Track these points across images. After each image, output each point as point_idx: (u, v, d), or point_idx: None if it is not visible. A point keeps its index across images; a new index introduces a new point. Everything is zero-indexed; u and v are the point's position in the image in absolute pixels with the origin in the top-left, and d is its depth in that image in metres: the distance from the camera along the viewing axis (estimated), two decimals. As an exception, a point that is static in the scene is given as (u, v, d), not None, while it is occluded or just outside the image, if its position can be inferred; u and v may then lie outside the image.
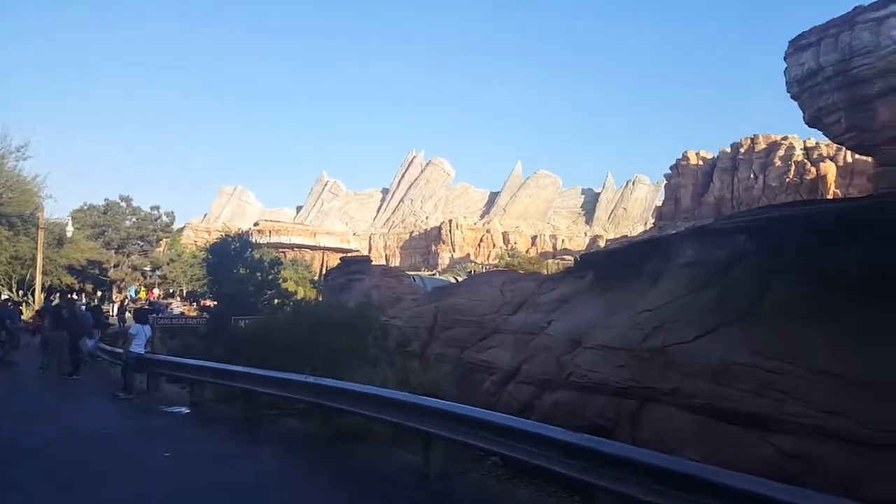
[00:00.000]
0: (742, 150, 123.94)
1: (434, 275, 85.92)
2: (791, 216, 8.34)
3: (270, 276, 23.42)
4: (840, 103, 41.54)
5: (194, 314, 30.20)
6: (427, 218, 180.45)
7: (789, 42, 45.98)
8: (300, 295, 28.02)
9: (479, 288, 15.92)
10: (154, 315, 23.14)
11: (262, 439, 12.35)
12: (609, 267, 11.82)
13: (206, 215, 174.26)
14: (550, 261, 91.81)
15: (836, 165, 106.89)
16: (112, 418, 13.98)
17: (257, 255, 24.65)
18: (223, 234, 28.19)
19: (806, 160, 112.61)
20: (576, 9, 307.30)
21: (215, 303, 23.98)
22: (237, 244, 23.12)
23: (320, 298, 29.97)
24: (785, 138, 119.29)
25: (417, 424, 9.15)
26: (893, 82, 36.54)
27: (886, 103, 37.20)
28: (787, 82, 47.93)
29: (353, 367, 13.43)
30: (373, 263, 28.74)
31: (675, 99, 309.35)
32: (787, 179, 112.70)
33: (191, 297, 53.53)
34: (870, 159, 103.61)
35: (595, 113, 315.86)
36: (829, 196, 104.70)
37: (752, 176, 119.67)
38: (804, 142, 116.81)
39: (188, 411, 14.84)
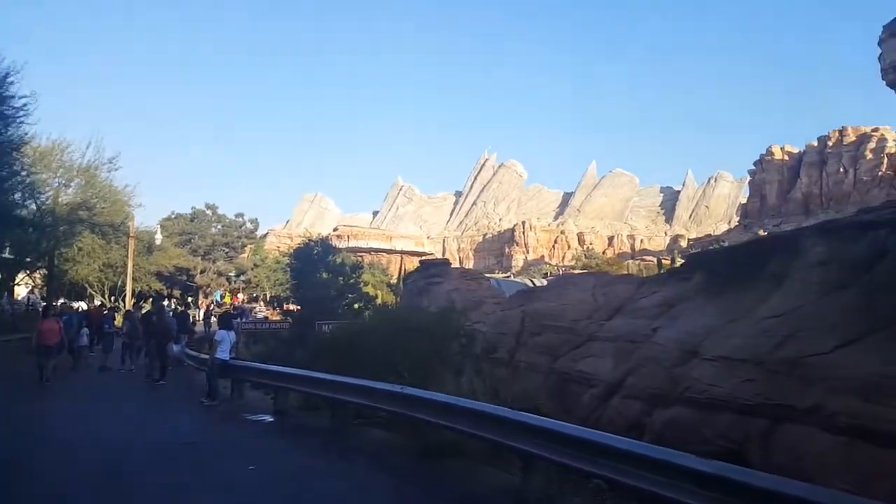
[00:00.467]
0: (830, 144, 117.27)
1: (509, 277, 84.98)
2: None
3: (352, 281, 23.23)
4: (941, 87, 38.24)
5: (278, 318, 30.45)
6: (500, 220, 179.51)
7: (884, 27, 42.95)
8: (380, 299, 27.81)
9: (569, 291, 15.03)
10: (238, 320, 23.36)
11: (348, 452, 11.89)
12: (723, 267, 10.73)
13: (287, 222, 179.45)
14: (630, 262, 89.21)
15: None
16: (196, 426, 13.86)
17: (338, 260, 24.54)
18: (305, 239, 28.37)
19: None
20: (647, 3, 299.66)
21: (298, 307, 24.00)
22: (319, 249, 23.05)
23: (398, 302, 29.69)
24: (875, 130, 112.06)
25: (518, 443, 8.42)
26: None
27: None
28: (882, 69, 44.78)
29: (439, 374, 12.84)
30: (451, 266, 28.31)
31: (758, 91, 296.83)
32: (880, 173, 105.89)
33: (274, 302, 54.55)
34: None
35: (672, 108, 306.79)
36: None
37: (841, 170, 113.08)
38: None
39: (272, 420, 14.58)
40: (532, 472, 8.63)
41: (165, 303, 37.87)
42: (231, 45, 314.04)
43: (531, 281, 60.09)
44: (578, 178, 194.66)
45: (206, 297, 52.66)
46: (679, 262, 60.29)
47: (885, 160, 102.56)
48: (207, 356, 17.26)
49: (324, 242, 23.40)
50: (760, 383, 7.51)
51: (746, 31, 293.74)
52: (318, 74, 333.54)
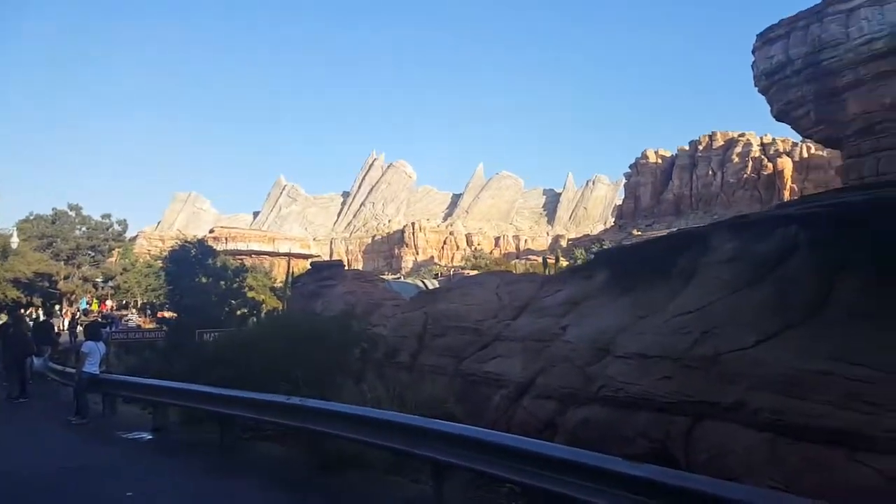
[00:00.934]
0: (701, 148, 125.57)
1: (399, 278, 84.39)
2: (853, 203, 7.31)
3: (235, 285, 21.77)
4: (809, 96, 41.63)
5: (152, 327, 28.31)
6: (389, 221, 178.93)
7: (757, 35, 46.00)
8: (266, 305, 26.35)
9: (472, 291, 14.67)
10: (108, 329, 21.38)
11: (239, 470, 10.91)
12: (628, 264, 10.69)
13: (159, 223, 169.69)
14: (516, 261, 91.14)
15: (793, 161, 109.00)
16: (64, 448, 12.41)
17: (218, 263, 22.96)
18: (179, 241, 26.50)
19: (763, 156, 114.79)
20: (533, 10, 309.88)
21: (175, 314, 22.25)
22: (198, 251, 21.41)
23: (285, 307, 28.33)
24: (742, 135, 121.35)
25: (431, 452, 7.90)
26: (862, 74, 36.61)
27: (855, 95, 37.27)
28: (754, 76, 47.96)
29: (339, 383, 12.09)
30: (345, 268, 27.36)
31: (634, 98, 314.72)
32: (745, 175, 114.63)
33: (147, 309, 51.29)
34: (825, 153, 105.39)
35: (555, 113, 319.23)
36: (786, 191, 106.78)
37: (710, 172, 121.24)
38: (761, 138, 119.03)
39: (150, 437, 13.37)
40: (443, 480, 8.17)
41: (24, 312, 34.52)
42: (101, 35, 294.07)
43: (422, 282, 59.85)
44: (467, 180, 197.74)
45: (70, 304, 48.54)
46: (563, 262, 62.30)
47: (750, 164, 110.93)
48: (74, 370, 15.63)
49: (202, 244, 21.77)
50: (678, 380, 7.38)
51: (622, 42, 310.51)
52: (190, 67, 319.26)
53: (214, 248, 22.07)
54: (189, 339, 18.05)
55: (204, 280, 21.15)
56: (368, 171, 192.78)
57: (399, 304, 18.46)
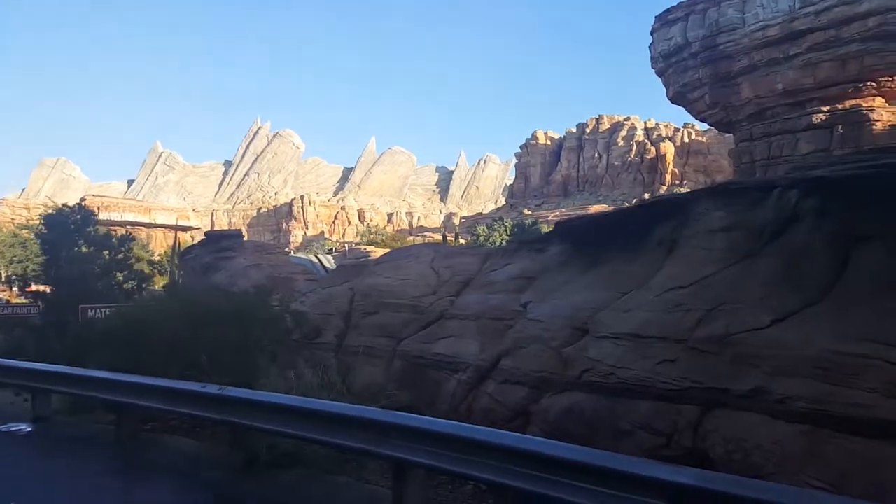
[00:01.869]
0: (588, 130, 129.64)
1: (289, 253, 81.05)
2: (865, 169, 6.71)
3: (120, 256, 19.21)
4: (705, 79, 42.94)
5: (22, 301, 25.02)
6: (276, 193, 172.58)
7: (656, 17, 46.89)
8: (158, 280, 23.67)
9: (405, 265, 13.40)
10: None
11: (145, 469, 9.23)
12: (589, 237, 9.83)
13: (23, 190, 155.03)
14: (414, 237, 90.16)
15: (674, 145, 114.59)
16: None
17: (101, 232, 20.27)
18: (49, 207, 23.27)
19: (647, 140, 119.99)
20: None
21: (51, 288, 19.47)
22: (78, 217, 18.72)
23: (176, 281, 25.77)
24: (627, 119, 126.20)
25: (396, 452, 6.67)
26: (756, 59, 38.09)
27: (749, 80, 38.79)
28: (651, 57, 48.98)
29: (258, 368, 10.53)
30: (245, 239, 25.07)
31: (526, 78, 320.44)
32: (629, 158, 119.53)
33: (14, 282, 46.43)
34: (704, 139, 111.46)
35: (449, 90, 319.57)
36: (668, 175, 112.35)
37: (596, 155, 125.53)
38: (645, 122, 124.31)
39: (30, 429, 11.34)
40: (406, 482, 6.99)
41: None
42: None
43: (315, 257, 57.61)
44: (358, 154, 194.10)
45: None
46: (462, 240, 61.92)
47: (634, 147, 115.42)
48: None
49: (81, 208, 19.06)
50: (684, 364, 6.56)
51: (523, 17, 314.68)
52: (55, 22, 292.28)
53: (93, 213, 19.41)
54: (70, 316, 15.65)
55: (84, 250, 18.55)
56: (253, 139, 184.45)
57: (315, 279, 16.86)
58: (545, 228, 49.79)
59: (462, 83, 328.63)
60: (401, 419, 6.85)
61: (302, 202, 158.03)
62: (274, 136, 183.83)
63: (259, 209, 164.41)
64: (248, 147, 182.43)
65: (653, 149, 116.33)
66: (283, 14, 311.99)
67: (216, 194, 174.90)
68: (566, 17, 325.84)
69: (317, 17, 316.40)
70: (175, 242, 23.52)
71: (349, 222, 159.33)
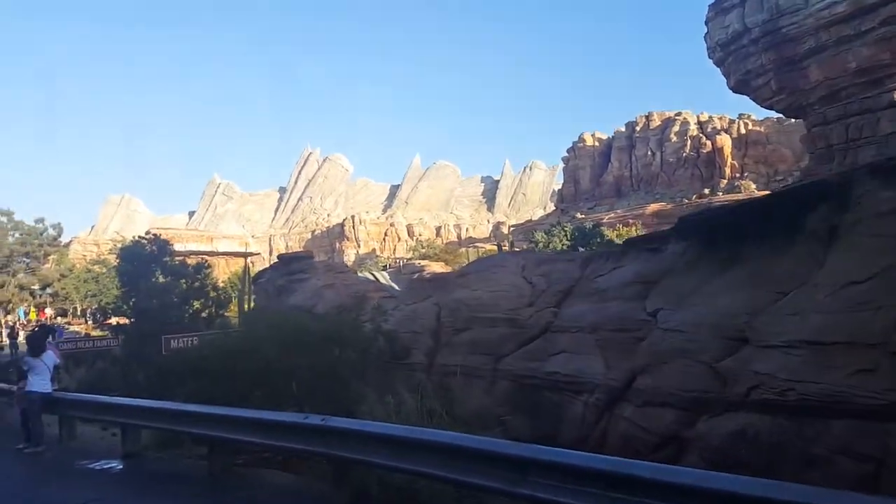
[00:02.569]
0: (638, 129, 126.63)
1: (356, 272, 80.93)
2: None
3: (197, 283, 18.87)
4: (769, 65, 40.85)
5: (101, 335, 25.12)
6: (328, 215, 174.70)
7: (710, 6, 45.04)
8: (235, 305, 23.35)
9: (493, 275, 12.47)
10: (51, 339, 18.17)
11: (246, 509, 8.49)
12: (720, 231, 8.69)
13: (93, 227, 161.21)
14: (466, 249, 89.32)
15: (731, 138, 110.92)
16: (15, 485, 9.76)
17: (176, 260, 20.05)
18: (117, 244, 23.23)
19: (701, 134, 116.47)
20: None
21: (128, 320, 19.29)
22: (154, 247, 18.46)
23: (251, 305, 25.41)
24: (679, 114, 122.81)
25: (535, 491, 5.67)
26: (824, 40, 35.96)
27: (817, 62, 36.62)
28: (708, 48, 47.07)
29: (354, 393, 9.74)
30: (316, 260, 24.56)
31: (567, 82, 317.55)
32: (684, 154, 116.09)
33: (90, 315, 47.92)
34: (762, 129, 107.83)
35: (489, 101, 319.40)
36: (727, 168, 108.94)
37: (649, 153, 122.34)
38: (698, 116, 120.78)
39: (121, 467, 10.77)
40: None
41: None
42: (24, 35, 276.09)
43: (371, 274, 57.34)
44: (404, 171, 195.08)
45: (7, 314, 44.87)
46: (516, 248, 60.45)
47: (689, 142, 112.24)
48: (17, 390, 12.79)
49: (159, 240, 18.82)
50: (887, 373, 5.40)
51: (553, 29, 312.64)
52: (115, 68, 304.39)
53: (169, 242, 19.17)
54: (152, 348, 15.25)
55: (161, 279, 18.26)
56: (304, 165, 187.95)
57: (392, 296, 16.09)
58: (611, 233, 48.27)
59: (502, 92, 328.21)
60: (542, 453, 5.87)
61: (353, 222, 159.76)
62: (324, 160, 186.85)
63: (313, 231, 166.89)
64: (300, 173, 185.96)
65: (708, 143, 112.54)
66: (328, 44, 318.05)
67: (272, 220, 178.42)
68: (603, 18, 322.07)
69: (357, 41, 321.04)
70: (245, 268, 23.42)
71: (399, 238, 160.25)
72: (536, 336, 9.90)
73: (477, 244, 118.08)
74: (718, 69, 46.13)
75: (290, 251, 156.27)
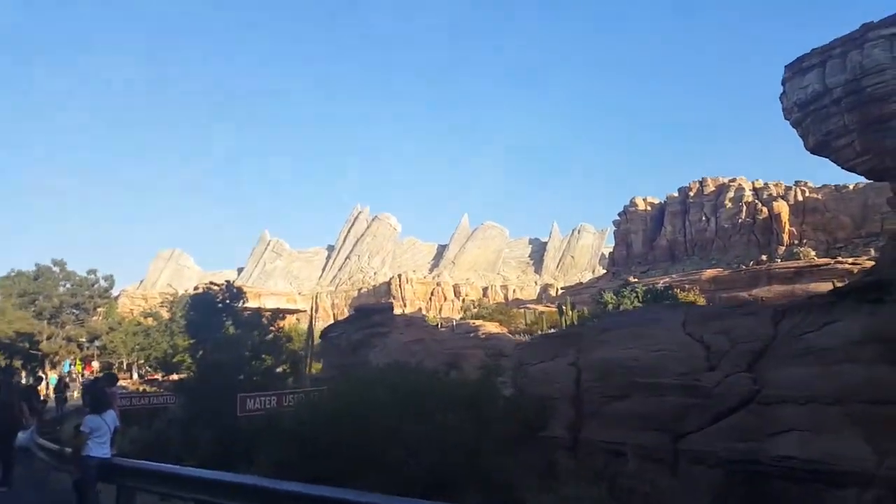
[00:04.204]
0: (691, 194, 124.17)
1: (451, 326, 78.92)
2: None
3: (269, 336, 17.18)
4: (852, 125, 38.69)
5: (151, 391, 23.58)
6: (375, 274, 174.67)
7: (786, 67, 43.50)
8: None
9: (646, 332, 10.45)
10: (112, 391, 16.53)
11: None
12: None
13: (142, 281, 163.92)
14: (525, 310, 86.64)
15: (788, 204, 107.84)
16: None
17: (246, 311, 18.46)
18: (169, 296, 21.87)
19: (756, 200, 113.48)
20: (510, 57, 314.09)
21: (184, 375, 17.67)
22: (226, 295, 16.94)
23: (312, 364, 23.62)
24: (733, 180, 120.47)
25: None
26: (910, 100, 33.70)
27: (904, 122, 34.26)
28: (784, 108, 45.22)
29: (511, 481, 7.70)
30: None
31: (616, 148, 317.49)
32: (740, 220, 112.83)
33: (137, 369, 46.96)
34: (819, 196, 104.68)
35: (538, 163, 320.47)
36: (785, 234, 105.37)
37: (703, 218, 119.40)
38: (753, 183, 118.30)
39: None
40: None
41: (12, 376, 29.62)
42: (76, 86, 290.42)
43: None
44: (451, 231, 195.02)
45: (53, 366, 43.93)
46: (572, 312, 57.64)
47: (744, 208, 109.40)
48: (70, 450, 11.09)
49: (230, 286, 17.31)
50: None
51: (601, 93, 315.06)
52: (171, 122, 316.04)
53: (242, 290, 17.59)
54: (221, 407, 13.46)
55: (231, 331, 16.66)
56: (353, 224, 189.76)
57: (496, 353, 14.08)
58: (683, 296, 45.64)
59: (552, 155, 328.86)
60: None
61: (399, 280, 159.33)
62: (373, 219, 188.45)
63: (359, 290, 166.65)
64: (349, 231, 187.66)
65: (765, 209, 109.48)
66: (379, 101, 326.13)
67: (320, 277, 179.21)
68: (655, 85, 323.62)
69: (408, 101, 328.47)
70: (311, 322, 21.96)
71: (445, 298, 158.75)
72: (735, 408, 7.79)
73: (528, 305, 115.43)
74: (795, 130, 44.15)
75: (335, 308, 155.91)
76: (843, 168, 49.56)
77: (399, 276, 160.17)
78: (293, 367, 17.14)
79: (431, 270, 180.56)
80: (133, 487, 10.37)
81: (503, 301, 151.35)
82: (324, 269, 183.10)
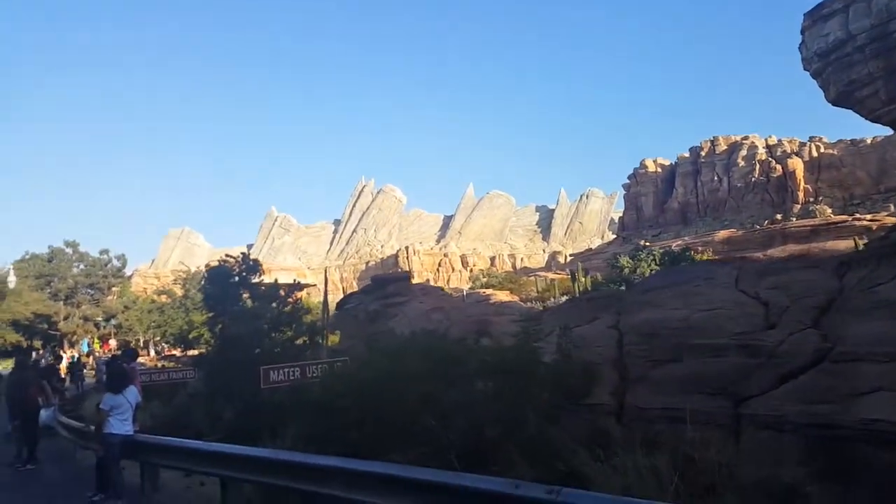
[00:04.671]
0: (703, 154, 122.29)
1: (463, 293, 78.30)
2: None
3: (288, 308, 16.59)
4: (877, 73, 37.30)
5: (172, 366, 23.31)
6: (382, 246, 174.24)
7: (806, 14, 41.86)
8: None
9: (694, 289, 9.77)
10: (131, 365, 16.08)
11: None
12: None
13: (153, 261, 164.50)
14: (536, 277, 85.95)
15: (803, 161, 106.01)
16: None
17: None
18: (181, 274, 21.29)
19: (770, 158, 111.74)
20: (516, 24, 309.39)
21: (215, 348, 17.16)
22: (243, 266, 16.35)
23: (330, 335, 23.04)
24: (745, 138, 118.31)
25: None
26: (947, 43, 32.35)
27: (940, 67, 32.96)
28: (804, 59, 43.64)
29: (559, 450, 7.13)
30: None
31: (623, 110, 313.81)
32: (753, 179, 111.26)
33: (155, 347, 47.32)
34: (835, 151, 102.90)
35: (543, 129, 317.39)
36: (800, 192, 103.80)
37: (715, 178, 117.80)
38: (766, 140, 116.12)
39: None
40: None
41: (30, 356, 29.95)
42: (87, 69, 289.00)
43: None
44: (457, 201, 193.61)
45: (72, 346, 44.66)
46: (583, 278, 56.72)
47: (758, 166, 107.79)
48: (94, 430, 10.69)
49: (246, 259, 16.67)
50: None
51: (607, 56, 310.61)
52: (175, 102, 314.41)
53: (258, 262, 17.01)
54: (242, 380, 12.97)
55: (249, 304, 16.12)
56: (359, 197, 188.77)
57: (520, 319, 13.41)
58: (699, 257, 44.76)
59: (556, 120, 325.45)
60: None
61: (407, 252, 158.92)
62: (378, 192, 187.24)
63: (367, 263, 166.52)
64: (354, 205, 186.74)
65: (779, 167, 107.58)
66: (379, 75, 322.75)
67: (328, 252, 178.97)
68: (662, 47, 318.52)
69: (409, 73, 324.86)
70: (325, 294, 21.46)
71: (453, 269, 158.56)
72: (805, 368, 7.12)
73: (538, 273, 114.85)
74: (815, 81, 42.73)
75: (343, 282, 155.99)
76: (867, 119, 48.09)
77: (406, 248, 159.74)
78: (311, 338, 16.59)
79: (438, 241, 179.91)
80: (156, 464, 9.97)
81: (511, 270, 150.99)
82: (331, 244, 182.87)
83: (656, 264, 42.34)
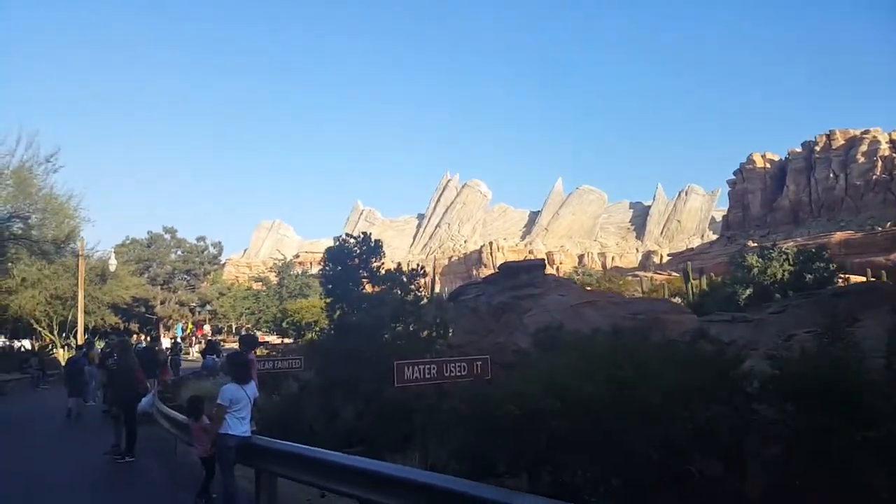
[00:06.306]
0: (817, 149, 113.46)
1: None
2: None
3: (410, 296, 14.32)
4: None
5: (262, 353, 21.67)
6: (466, 241, 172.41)
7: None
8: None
9: None
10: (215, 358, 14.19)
11: None
12: None
13: (245, 251, 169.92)
14: (638, 276, 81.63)
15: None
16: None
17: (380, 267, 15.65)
18: (277, 262, 19.28)
19: (894, 154, 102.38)
20: (617, 14, 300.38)
21: (331, 336, 15.11)
22: (363, 248, 14.19)
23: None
24: (866, 132, 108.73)
25: None
26: None
27: None
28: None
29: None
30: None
31: (728, 102, 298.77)
32: (874, 176, 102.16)
33: (240, 332, 47.48)
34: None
35: (639, 121, 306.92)
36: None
37: (831, 175, 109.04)
38: (889, 134, 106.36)
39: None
40: None
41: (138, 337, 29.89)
42: (186, 65, 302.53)
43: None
44: (544, 196, 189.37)
45: (167, 329, 45.41)
46: (694, 280, 52.23)
47: (880, 163, 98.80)
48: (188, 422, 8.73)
49: (367, 239, 14.55)
50: None
51: (717, 47, 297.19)
52: (275, 98, 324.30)
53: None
54: (364, 374, 10.75)
55: (370, 288, 13.97)
56: (443, 192, 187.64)
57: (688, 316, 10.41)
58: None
59: (655, 111, 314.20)
60: None
61: (490, 248, 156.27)
62: (462, 186, 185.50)
63: (450, 257, 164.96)
64: (438, 199, 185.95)
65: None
66: (470, 72, 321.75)
67: (411, 246, 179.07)
68: (772, 29, 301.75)
69: (497, 65, 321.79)
70: (432, 286, 19.85)
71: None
72: None
73: (635, 273, 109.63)
74: None
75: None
76: None
77: (490, 243, 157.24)
78: (441, 331, 14.24)
79: (523, 238, 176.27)
80: (277, 473, 7.71)
81: (600, 269, 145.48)
82: (414, 238, 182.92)
83: (789, 264, 37.92)
